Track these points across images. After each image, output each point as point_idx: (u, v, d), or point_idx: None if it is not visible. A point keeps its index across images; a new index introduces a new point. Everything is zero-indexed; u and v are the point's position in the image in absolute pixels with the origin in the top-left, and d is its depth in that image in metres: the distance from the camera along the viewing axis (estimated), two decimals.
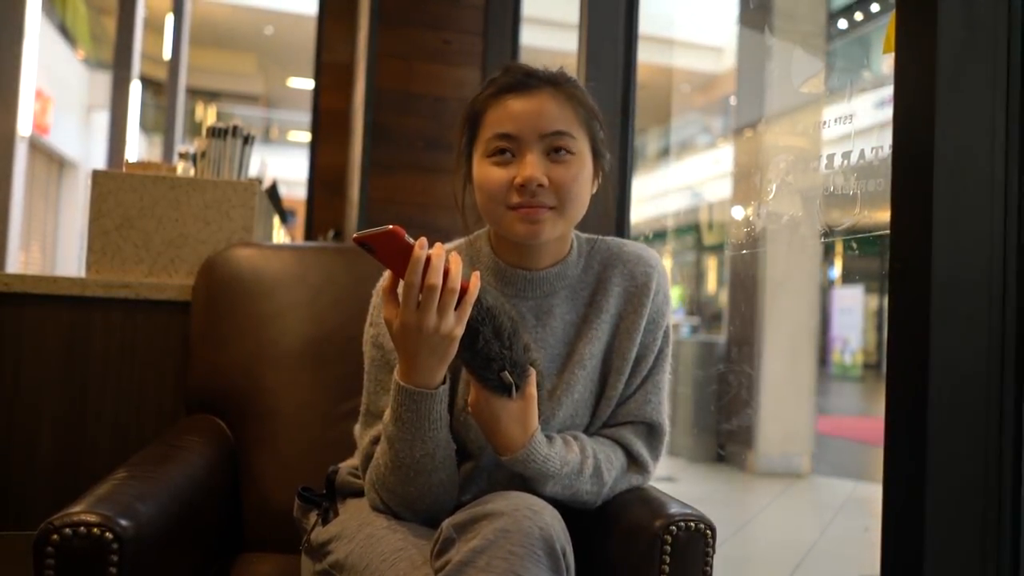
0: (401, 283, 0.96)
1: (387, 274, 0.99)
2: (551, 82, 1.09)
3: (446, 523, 0.95)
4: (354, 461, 1.23)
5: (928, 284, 0.97)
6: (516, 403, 1.02)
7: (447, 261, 0.95)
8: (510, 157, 1.07)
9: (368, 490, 1.11)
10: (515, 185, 1.06)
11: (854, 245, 1.39)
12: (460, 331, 0.96)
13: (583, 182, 1.08)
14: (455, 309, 0.95)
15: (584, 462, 1.09)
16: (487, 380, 1.00)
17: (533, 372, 1.03)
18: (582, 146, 1.09)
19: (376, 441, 1.11)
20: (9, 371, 1.67)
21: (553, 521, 0.95)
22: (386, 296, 0.99)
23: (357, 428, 1.18)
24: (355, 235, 0.93)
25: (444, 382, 1.01)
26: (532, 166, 1.05)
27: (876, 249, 1.37)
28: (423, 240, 0.94)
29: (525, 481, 1.08)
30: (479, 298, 0.97)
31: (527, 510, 0.94)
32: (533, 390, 1.04)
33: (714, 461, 5.84)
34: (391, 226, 0.93)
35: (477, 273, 0.98)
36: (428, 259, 0.93)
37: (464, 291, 0.95)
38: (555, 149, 1.07)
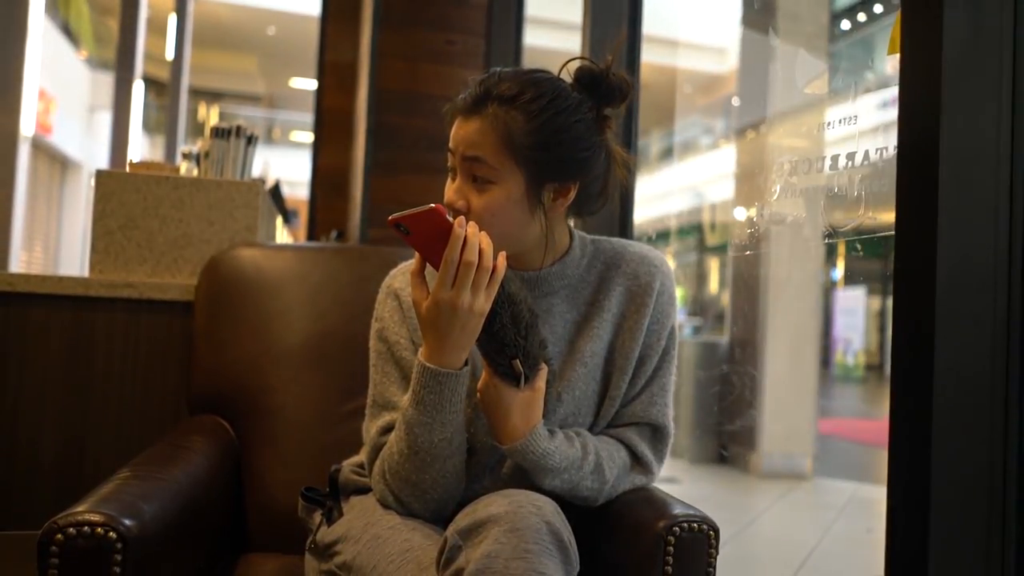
0: (428, 266, 1.00)
1: (416, 257, 1.02)
2: (490, 105, 1.06)
3: (450, 530, 0.95)
4: (357, 459, 1.24)
5: (932, 285, 0.97)
6: (523, 394, 1.04)
7: (480, 240, 0.98)
8: (453, 174, 1.10)
9: (376, 482, 1.11)
10: None
11: (858, 246, 1.38)
12: (488, 308, 0.99)
13: (500, 211, 1.06)
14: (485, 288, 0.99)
15: (585, 458, 1.10)
16: (498, 366, 1.03)
17: (544, 367, 1.05)
18: (505, 174, 1.05)
19: (385, 431, 1.12)
20: (13, 370, 1.67)
21: (555, 514, 0.96)
22: (415, 279, 1.02)
23: (364, 423, 1.19)
24: (392, 216, 0.96)
25: (466, 364, 1.03)
26: (452, 189, 1.09)
27: (879, 250, 1.37)
28: (461, 219, 0.97)
29: (526, 475, 1.09)
30: (502, 283, 1.00)
31: (530, 506, 0.94)
32: (542, 384, 1.05)
33: (716, 462, 5.84)
34: (433, 204, 0.97)
35: (504, 254, 1.00)
36: (464, 238, 0.97)
37: (493, 271, 0.99)
38: (474, 175, 1.07)
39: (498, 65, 1.16)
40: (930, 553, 0.96)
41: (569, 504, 1.09)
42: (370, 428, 1.15)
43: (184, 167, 2.04)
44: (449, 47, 3.12)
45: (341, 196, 3.97)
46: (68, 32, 10.15)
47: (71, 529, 0.92)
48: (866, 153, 1.31)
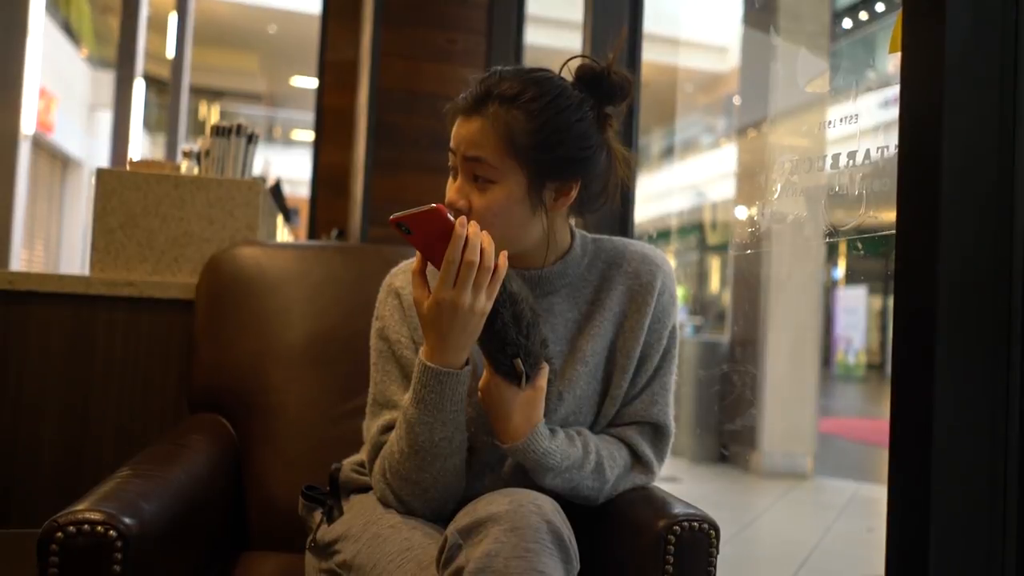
0: (429, 265, 1.00)
1: (417, 256, 1.02)
2: (491, 104, 1.05)
3: (450, 529, 0.95)
4: (358, 457, 1.24)
5: (934, 285, 0.97)
6: (524, 393, 1.04)
7: (482, 239, 0.98)
8: (454, 173, 1.09)
9: (377, 481, 1.11)
10: None
11: (859, 245, 1.38)
12: (489, 307, 0.99)
13: (501, 211, 1.06)
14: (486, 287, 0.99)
15: (586, 457, 1.10)
16: (500, 365, 1.03)
17: (546, 366, 1.05)
18: (506, 174, 1.05)
19: (385, 430, 1.12)
20: (13, 369, 1.67)
21: (555, 513, 0.96)
22: (416, 278, 1.02)
23: (365, 421, 1.19)
24: (394, 216, 0.96)
25: (467, 363, 1.03)
26: (453, 189, 1.08)
27: (880, 249, 1.37)
28: (463, 219, 0.97)
29: (527, 474, 1.09)
30: (503, 282, 1.00)
31: (530, 505, 0.94)
32: (543, 383, 1.05)
33: (717, 461, 5.84)
34: (433, 204, 0.97)
35: (505, 253, 1.00)
36: (465, 237, 0.97)
37: (494, 270, 0.99)
38: (475, 175, 1.06)
39: (499, 64, 1.15)
40: (930, 553, 0.96)
41: (570, 503, 1.09)
42: (370, 427, 1.15)
43: (185, 165, 2.04)
44: (450, 46, 3.12)
45: (342, 195, 3.97)
46: (69, 30, 10.15)
47: (71, 527, 0.92)
48: (867, 152, 1.31)
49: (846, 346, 13.26)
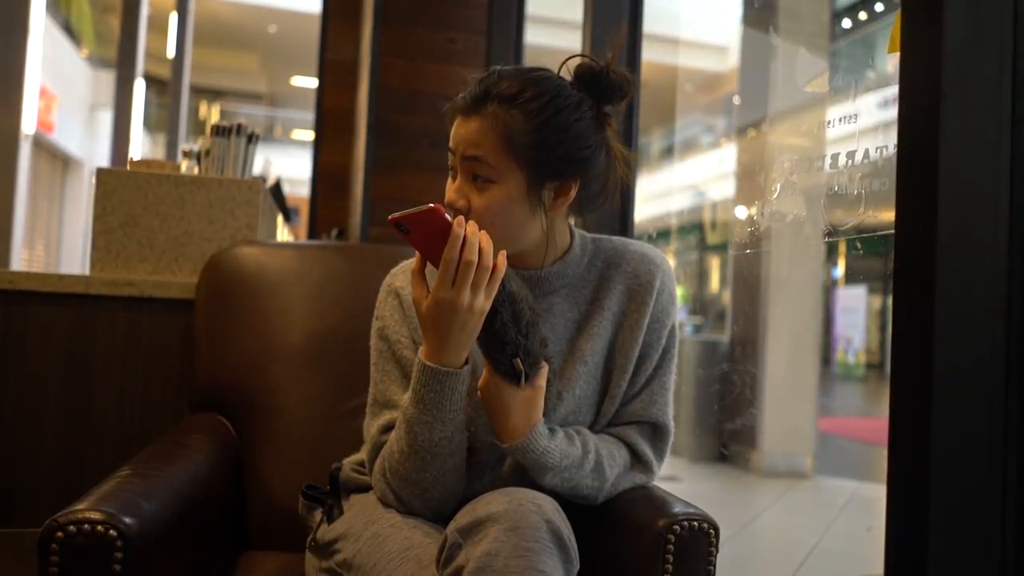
0: (428, 264, 1.00)
1: (416, 256, 1.02)
2: (490, 104, 1.05)
3: (450, 528, 0.95)
4: (358, 457, 1.24)
5: (932, 284, 0.97)
6: (524, 392, 1.04)
7: (480, 239, 0.98)
8: (454, 173, 1.10)
9: (377, 481, 1.11)
10: None
11: (858, 245, 1.38)
12: (488, 307, 0.99)
13: (500, 211, 1.06)
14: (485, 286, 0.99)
15: (585, 457, 1.10)
16: (499, 364, 1.03)
17: (545, 366, 1.05)
18: (505, 174, 1.05)
19: (385, 430, 1.12)
20: (14, 368, 1.67)
21: (555, 512, 0.96)
22: (415, 278, 1.02)
23: (365, 421, 1.19)
24: (392, 215, 0.97)
25: (466, 362, 1.03)
26: (452, 189, 1.09)
27: (880, 249, 1.37)
28: (460, 218, 0.98)
29: (526, 474, 1.09)
30: (502, 281, 1.00)
31: (530, 504, 0.94)
32: (542, 383, 1.05)
33: (717, 461, 5.85)
34: (431, 204, 0.97)
35: (504, 253, 1.00)
36: (463, 237, 0.97)
37: (493, 269, 0.99)
38: (474, 174, 1.07)
39: (499, 63, 1.15)
40: (930, 552, 0.96)
41: (569, 502, 1.09)
42: (371, 427, 1.15)
43: (185, 165, 2.04)
44: (450, 45, 3.13)
45: (342, 194, 3.97)
46: (69, 30, 10.16)
47: (71, 527, 0.92)
48: (866, 152, 1.31)
49: (846, 345, 13.26)
